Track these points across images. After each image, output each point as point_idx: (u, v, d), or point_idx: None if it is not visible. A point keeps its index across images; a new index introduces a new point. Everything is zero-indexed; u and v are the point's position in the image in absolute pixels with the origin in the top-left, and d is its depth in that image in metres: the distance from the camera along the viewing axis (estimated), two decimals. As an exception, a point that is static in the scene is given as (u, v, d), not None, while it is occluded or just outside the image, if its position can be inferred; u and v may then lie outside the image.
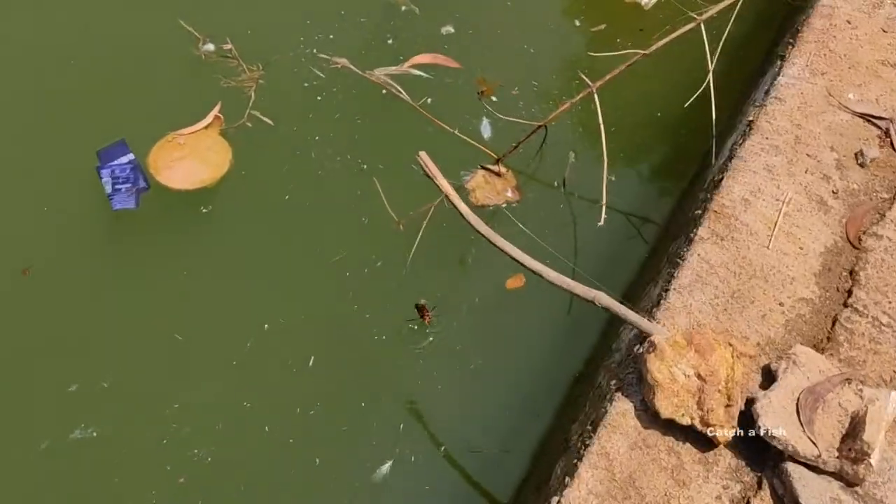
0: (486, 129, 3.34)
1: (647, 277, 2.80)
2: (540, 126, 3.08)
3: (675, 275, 2.17)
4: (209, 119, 3.22)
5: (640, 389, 1.97)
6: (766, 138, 2.43)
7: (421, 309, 2.75)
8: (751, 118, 2.48)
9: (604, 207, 2.84)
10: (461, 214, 2.25)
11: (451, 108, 3.35)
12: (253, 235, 2.99)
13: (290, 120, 3.27)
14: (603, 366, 2.49)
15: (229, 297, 2.85)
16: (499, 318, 2.87)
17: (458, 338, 2.78)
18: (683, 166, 3.38)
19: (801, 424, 1.80)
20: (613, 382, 2.03)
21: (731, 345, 1.88)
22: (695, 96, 2.97)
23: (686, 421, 1.85)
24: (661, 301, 2.14)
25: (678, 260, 2.23)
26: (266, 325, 2.78)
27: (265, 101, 3.30)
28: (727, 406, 1.83)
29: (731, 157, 2.46)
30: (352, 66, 3.20)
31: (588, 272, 2.81)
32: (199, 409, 2.64)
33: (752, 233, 2.25)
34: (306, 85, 3.37)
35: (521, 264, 2.12)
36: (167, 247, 2.95)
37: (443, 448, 2.61)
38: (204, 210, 3.02)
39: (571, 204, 3.21)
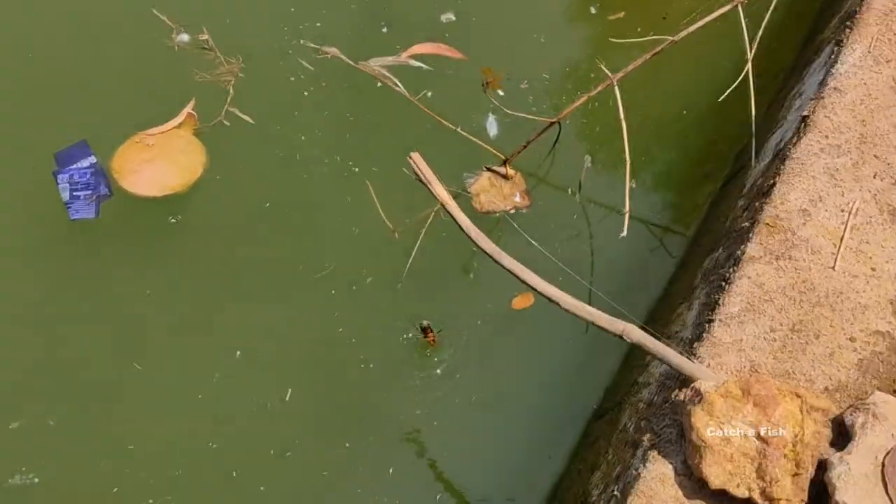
0: (491, 127, 2.96)
1: (677, 296, 2.43)
2: (552, 123, 2.71)
3: (721, 301, 1.79)
4: (181, 117, 2.86)
5: (682, 448, 1.59)
6: (826, 136, 2.04)
7: (425, 330, 2.38)
8: (806, 112, 2.09)
9: (626, 216, 2.46)
10: (460, 227, 1.87)
11: (453, 103, 2.97)
12: (227, 249, 2.62)
13: (272, 118, 2.91)
14: (628, 403, 2.12)
15: (197, 321, 2.48)
16: (504, 342, 2.50)
17: (457, 366, 2.41)
18: (714, 169, 3.00)
19: (890, 499, 1.42)
20: (647, 438, 1.64)
21: (798, 396, 1.49)
22: (731, 88, 2.60)
23: (743, 493, 1.47)
24: (704, 334, 1.76)
25: (722, 283, 1.84)
26: (238, 353, 2.42)
27: (245, 97, 2.93)
28: (795, 475, 1.45)
29: (781, 159, 2.07)
30: (343, 57, 2.85)
31: (607, 290, 2.44)
32: (157, 450, 2.29)
33: (813, 250, 1.86)
34: (292, 79, 3.00)
35: (533, 288, 1.74)
36: (129, 263, 2.59)
37: (438, 497, 2.23)
38: (172, 220, 2.66)
39: (587, 212, 2.83)
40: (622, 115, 2.60)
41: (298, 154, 2.84)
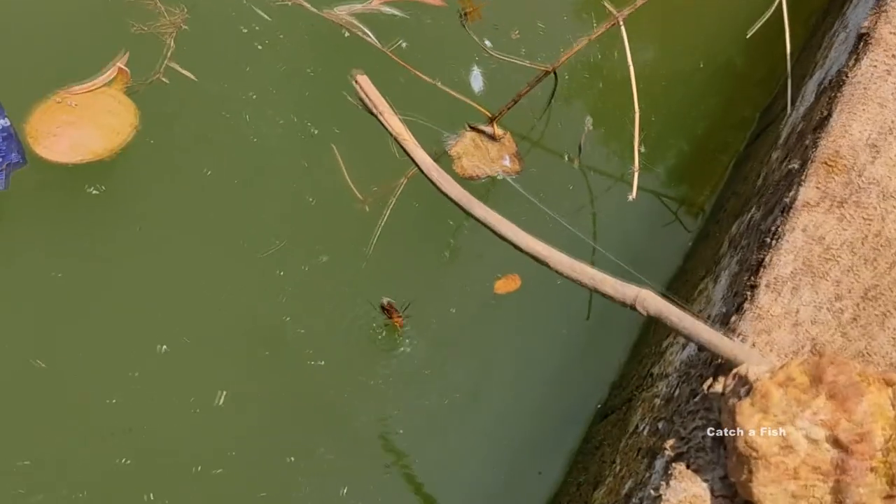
0: (476, 81, 2.51)
1: (697, 272, 1.97)
2: (548, 72, 2.27)
3: (767, 261, 1.33)
4: (111, 73, 2.42)
5: (720, 459, 1.12)
6: (894, 55, 1.57)
7: (388, 310, 1.93)
8: (864, 29, 1.63)
9: (636, 176, 2.01)
10: (418, 166, 1.42)
11: (431, 54, 2.54)
12: (156, 225, 2.18)
13: (219, 74, 2.47)
14: (640, 399, 1.66)
15: (115, 309, 2.04)
16: (485, 333, 2.05)
17: (428, 362, 1.95)
18: (735, 130, 2.56)
19: None
20: (670, 445, 1.18)
21: (890, 384, 1.03)
22: (760, 22, 2.17)
23: (814, 524, 1.01)
24: (745, 305, 1.29)
25: (767, 239, 1.38)
26: (163, 347, 1.96)
27: (188, 51, 2.49)
28: (888, 497, 0.98)
29: (835, 87, 1.61)
30: (305, 4, 2.43)
31: (612, 271, 1.98)
32: (58, 466, 1.85)
33: (886, 194, 1.40)
34: (244, 30, 2.57)
35: (514, 244, 1.28)
36: (38, 241, 2.16)
37: (403, 524, 1.78)
38: (93, 191, 2.22)
39: (589, 180, 2.37)
40: (630, 59, 2.15)
41: (247, 114, 2.41)
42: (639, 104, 2.17)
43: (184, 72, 2.45)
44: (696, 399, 1.21)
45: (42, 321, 2.02)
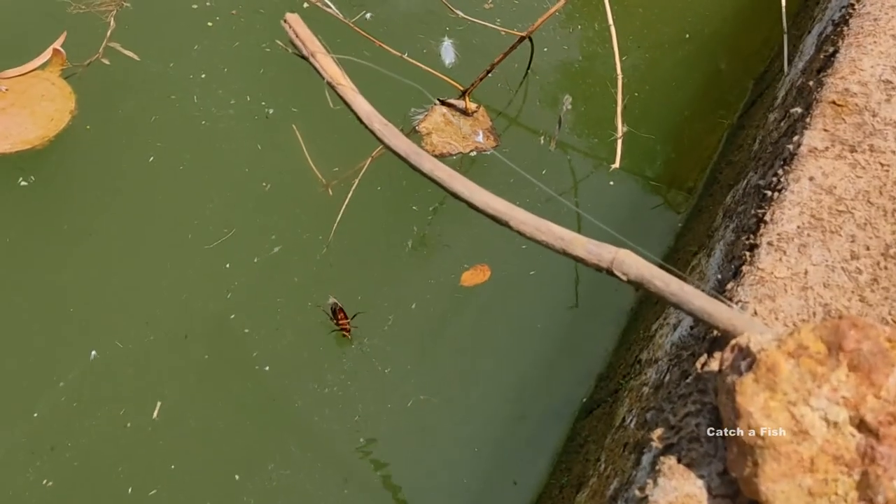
0: (447, 53, 2.31)
1: (688, 249, 1.76)
2: (522, 38, 2.06)
3: (767, 217, 1.11)
4: (46, 56, 2.22)
5: (718, 451, 0.90)
6: (907, -18, 1.36)
7: (335, 312, 1.71)
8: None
9: (619, 143, 1.81)
10: (357, 117, 1.21)
11: (398, 25, 2.35)
12: (90, 217, 1.97)
13: (165, 54, 2.27)
14: (627, 388, 1.44)
15: (40, 310, 1.82)
16: (452, 327, 1.82)
17: (389, 360, 1.73)
18: (727, 100, 2.36)
19: None
20: (658, 435, 0.96)
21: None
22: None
23: (836, 529, 0.79)
24: (743, 266, 1.08)
25: (767, 192, 1.16)
26: (93, 353, 1.74)
27: (131, 31, 2.30)
28: (933, 496, 0.77)
29: (841, 22, 1.40)
30: (262, -26, 2.23)
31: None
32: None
33: (905, 137, 1.18)
34: (194, 6, 2.37)
35: (470, 203, 1.07)
36: (-38, 237, 1.92)
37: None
38: (22, 182, 2.01)
39: (570, 162, 2.16)
40: (611, 18, 1.95)
41: (196, 95, 2.20)
42: (622, 78, 1.97)
43: (126, 52, 2.26)
44: (687, 381, 0.99)
45: (-41, 326, 1.80)
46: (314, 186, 1.98)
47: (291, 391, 1.68)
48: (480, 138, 2.09)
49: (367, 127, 1.16)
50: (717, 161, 2.20)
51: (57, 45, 2.23)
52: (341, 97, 1.19)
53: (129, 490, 1.59)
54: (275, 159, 2.09)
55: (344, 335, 1.70)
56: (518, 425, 1.68)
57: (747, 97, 2.35)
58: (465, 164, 2.09)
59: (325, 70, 1.21)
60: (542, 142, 2.20)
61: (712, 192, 2.00)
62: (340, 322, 1.70)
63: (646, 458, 1.00)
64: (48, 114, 2.13)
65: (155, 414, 1.65)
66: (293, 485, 1.61)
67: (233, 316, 1.78)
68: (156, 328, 1.76)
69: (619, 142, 1.80)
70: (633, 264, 0.93)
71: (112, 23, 2.28)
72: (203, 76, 2.23)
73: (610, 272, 0.94)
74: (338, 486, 1.61)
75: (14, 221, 1.95)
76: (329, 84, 1.20)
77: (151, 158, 2.07)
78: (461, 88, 2.14)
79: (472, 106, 2.14)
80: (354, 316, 1.74)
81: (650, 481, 0.94)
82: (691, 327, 1.19)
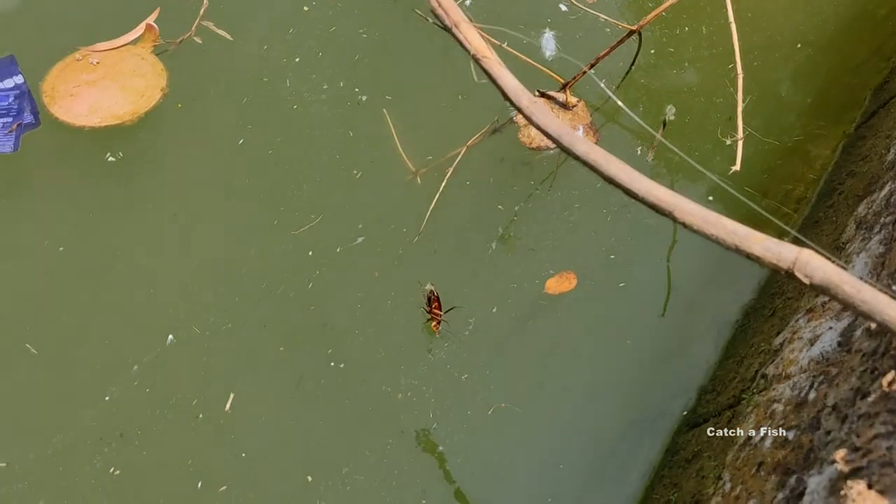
0: (548, 45, 2.17)
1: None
2: (632, 32, 1.92)
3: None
4: (139, 31, 2.17)
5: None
6: None
7: (430, 300, 1.60)
8: None
9: (740, 144, 1.66)
10: (507, 98, 1.09)
11: (499, 14, 2.22)
12: (176, 198, 1.90)
13: (259, 35, 2.19)
14: (752, 404, 1.31)
15: (120, 291, 1.75)
16: (536, 333, 1.69)
17: (467, 364, 1.61)
18: (842, 110, 2.18)
19: None
20: (841, 458, 0.81)
21: None
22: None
23: None
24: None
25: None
26: (170, 337, 1.66)
27: (225, 10, 2.23)
28: None
29: None
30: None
31: (696, 268, 1.65)
32: (36, 471, 1.53)
33: None
34: (291, -11, 2.27)
35: (631, 192, 0.94)
36: (42, 211, 1.88)
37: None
38: (110, 158, 1.95)
39: (668, 168, 2.02)
40: (731, 15, 1.80)
41: (289, 79, 2.11)
42: (742, 78, 1.80)
43: (219, 31, 2.18)
44: (869, 399, 0.84)
45: (38, 300, 1.75)
46: (403, 176, 1.88)
47: (365, 393, 1.57)
48: (580, 133, 1.95)
49: (512, 104, 1.05)
50: (833, 171, 2.03)
51: (150, 20, 2.17)
52: (486, 71, 1.08)
53: (199, 484, 1.51)
54: (366, 146, 1.99)
55: (434, 328, 1.59)
56: (607, 438, 1.55)
57: (865, 107, 2.17)
58: (563, 159, 1.95)
59: (468, 42, 1.10)
60: (640, 150, 2.05)
61: (831, 202, 1.84)
62: (433, 312, 1.59)
63: (814, 482, 0.85)
64: (139, 90, 2.07)
65: (227, 406, 1.56)
66: (369, 491, 1.50)
67: (312, 308, 1.67)
68: (234, 316, 1.68)
69: (740, 143, 1.65)
70: (820, 267, 0.79)
71: (205, 1, 2.21)
72: (297, 60, 2.15)
73: (790, 274, 0.81)
74: (416, 497, 1.50)
75: (98, 197, 1.89)
76: (474, 57, 1.08)
77: (241, 141, 2.00)
78: (562, 81, 2.01)
79: (572, 100, 2.01)
80: (450, 310, 1.62)
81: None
82: (839, 343, 1.04)
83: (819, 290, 0.79)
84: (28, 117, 2.01)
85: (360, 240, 1.78)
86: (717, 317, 1.76)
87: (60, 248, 1.81)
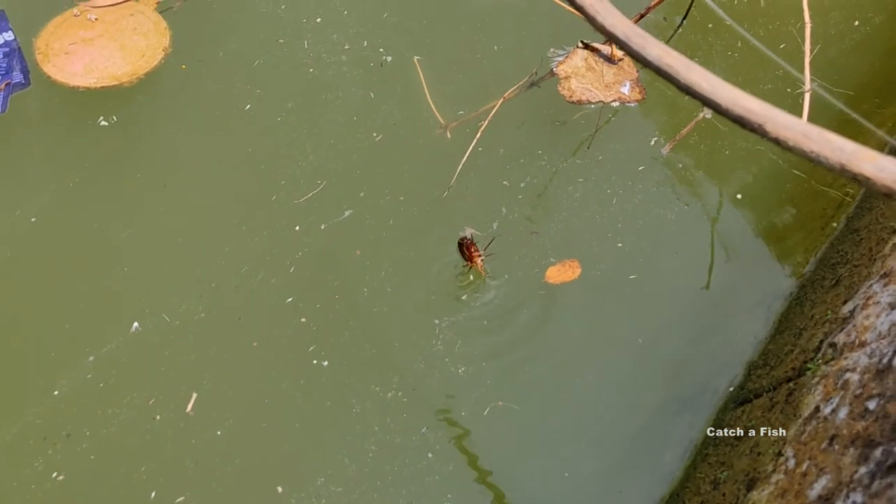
0: (598, -2, 1.85)
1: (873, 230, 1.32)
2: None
3: None
4: (143, -15, 1.95)
5: None
6: None
7: (465, 247, 1.34)
8: None
9: (807, 96, 1.35)
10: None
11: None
12: (169, 167, 1.68)
13: (277, -8, 1.94)
14: (818, 375, 1.13)
15: (90, 269, 1.52)
16: (536, 322, 1.41)
17: (462, 356, 1.32)
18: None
19: None
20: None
21: None
22: None
23: None
24: None
25: None
26: (135, 325, 1.42)
27: (242, -36, 1.99)
28: None
29: None
30: None
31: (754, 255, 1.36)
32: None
33: None
34: (317, -57, 2.03)
35: (712, 103, 0.70)
36: (25, 177, 1.68)
37: None
38: (103, 122, 1.74)
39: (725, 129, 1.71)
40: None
41: (307, 40, 1.87)
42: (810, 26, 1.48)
43: (233, -12, 1.95)
44: None
45: (14, 280, 1.53)
46: (431, 132, 1.62)
47: (350, 393, 1.29)
48: (626, 89, 1.66)
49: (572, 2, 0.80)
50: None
51: (157, -27, 1.95)
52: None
53: (153, 494, 1.26)
54: (387, 108, 1.73)
55: (480, 269, 1.41)
56: (644, 416, 1.25)
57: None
58: (604, 115, 1.65)
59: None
60: (654, 142, 1.74)
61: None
62: (473, 255, 1.33)
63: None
64: (139, 49, 1.85)
65: (189, 407, 1.31)
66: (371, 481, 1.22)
67: (290, 299, 1.40)
68: (208, 304, 1.42)
69: (807, 95, 1.34)
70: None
71: (222, -46, 1.98)
72: (318, 20, 1.90)
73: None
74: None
75: (85, 163, 1.67)
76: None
77: (248, 106, 1.76)
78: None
79: (618, 53, 1.72)
80: (488, 245, 1.36)
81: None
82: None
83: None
84: (17, 76, 1.82)
85: (347, 213, 1.51)
86: (766, 292, 1.55)
87: (32, 219, 1.60)
